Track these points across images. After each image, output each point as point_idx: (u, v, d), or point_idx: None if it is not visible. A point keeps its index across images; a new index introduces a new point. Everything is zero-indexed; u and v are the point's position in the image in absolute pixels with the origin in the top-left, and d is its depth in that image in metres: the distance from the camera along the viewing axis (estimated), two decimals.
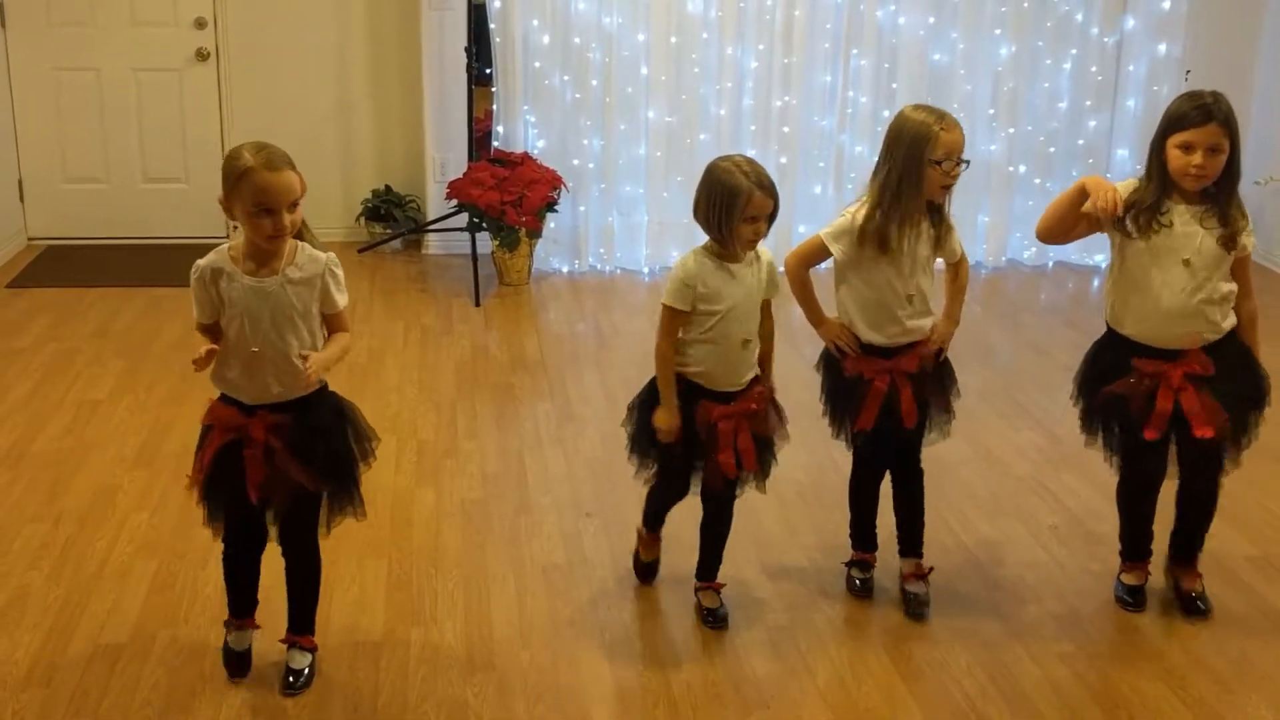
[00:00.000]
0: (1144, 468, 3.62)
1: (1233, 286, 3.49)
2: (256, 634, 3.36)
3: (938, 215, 3.52)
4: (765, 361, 3.53)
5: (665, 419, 3.41)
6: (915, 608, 3.68)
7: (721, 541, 3.65)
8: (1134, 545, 3.75)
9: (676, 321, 3.40)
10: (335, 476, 3.21)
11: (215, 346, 3.04)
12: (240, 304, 3.03)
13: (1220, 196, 3.42)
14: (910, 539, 3.77)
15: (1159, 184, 3.44)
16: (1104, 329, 3.65)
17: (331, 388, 3.23)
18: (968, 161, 3.45)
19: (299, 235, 3.11)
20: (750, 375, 3.46)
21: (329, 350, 3.13)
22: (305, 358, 3.05)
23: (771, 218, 3.35)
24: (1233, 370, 3.53)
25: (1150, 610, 3.71)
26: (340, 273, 3.15)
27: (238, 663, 3.32)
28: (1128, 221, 3.45)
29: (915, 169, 3.39)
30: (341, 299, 3.14)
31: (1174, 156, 3.39)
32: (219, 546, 3.29)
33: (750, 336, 3.41)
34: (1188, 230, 3.42)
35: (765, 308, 3.48)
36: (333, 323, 3.16)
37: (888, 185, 3.43)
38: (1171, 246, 3.42)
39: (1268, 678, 3.41)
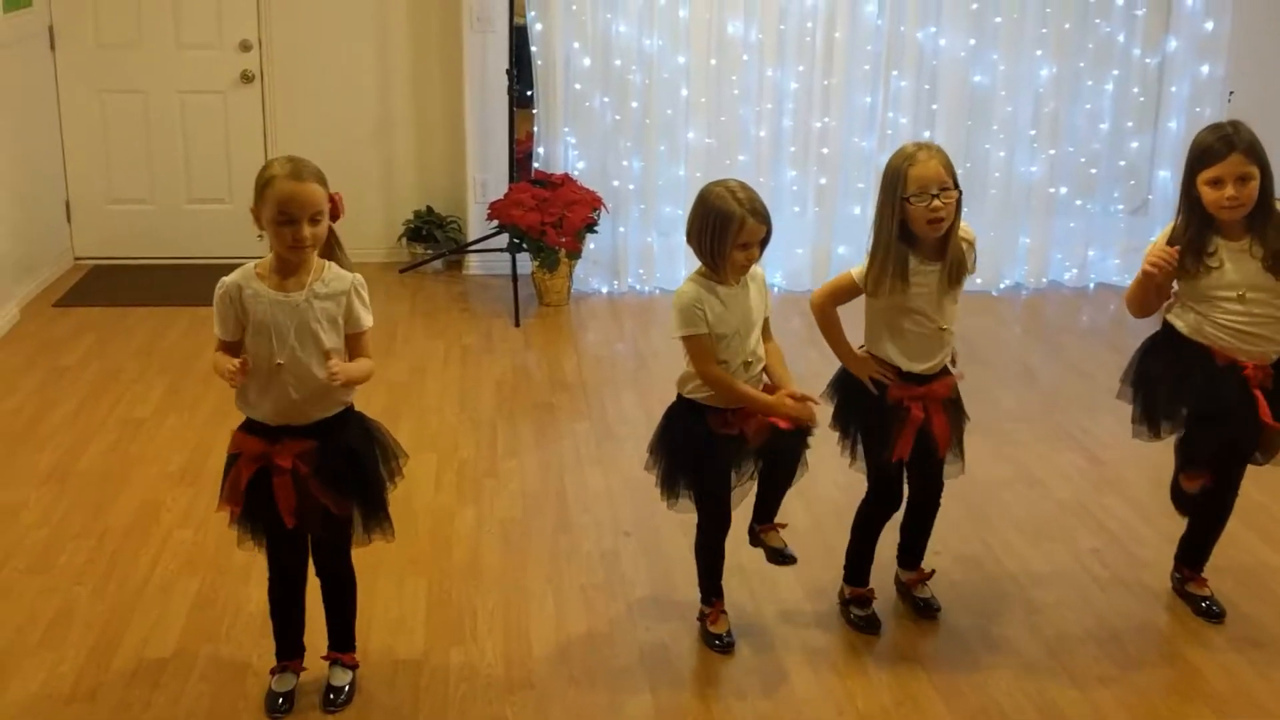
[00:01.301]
0: (1212, 453, 3.60)
1: None
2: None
3: (944, 250, 3.42)
4: (780, 368, 3.45)
5: (788, 408, 3.35)
6: (931, 610, 3.74)
7: (784, 488, 3.56)
8: (1197, 550, 3.81)
9: (705, 345, 3.35)
10: (364, 498, 3.21)
11: (246, 358, 3.04)
12: (266, 318, 3.04)
13: (1257, 223, 3.43)
14: (915, 553, 3.79)
15: (1197, 221, 3.46)
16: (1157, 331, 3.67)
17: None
18: (959, 190, 3.37)
19: (330, 254, 3.13)
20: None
21: (354, 366, 3.13)
22: (329, 357, 3.04)
23: (764, 243, 3.33)
24: None
25: (1192, 634, 3.68)
26: (366, 294, 3.15)
27: (277, 703, 3.27)
28: (1184, 263, 3.48)
29: (893, 208, 3.38)
30: (367, 318, 3.14)
31: (1206, 193, 3.41)
32: (261, 563, 3.31)
33: (751, 357, 3.39)
34: (1239, 266, 3.44)
35: (764, 327, 3.47)
36: (355, 345, 3.15)
37: (880, 227, 3.43)
38: (1225, 283, 3.44)
39: None
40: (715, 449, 3.41)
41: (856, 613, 3.73)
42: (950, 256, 3.42)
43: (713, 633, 3.59)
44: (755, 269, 3.43)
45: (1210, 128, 3.46)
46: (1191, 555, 3.81)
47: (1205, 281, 3.48)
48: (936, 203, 3.33)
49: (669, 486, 3.52)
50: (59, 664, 3.45)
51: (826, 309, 3.55)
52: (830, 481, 4.33)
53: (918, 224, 3.36)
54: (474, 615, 3.74)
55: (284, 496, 3.09)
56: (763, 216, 3.29)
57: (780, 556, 3.59)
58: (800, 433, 3.42)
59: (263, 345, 3.06)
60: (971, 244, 3.50)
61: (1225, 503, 3.73)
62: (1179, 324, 3.58)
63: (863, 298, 3.51)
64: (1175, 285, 3.56)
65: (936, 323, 3.48)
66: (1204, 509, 3.75)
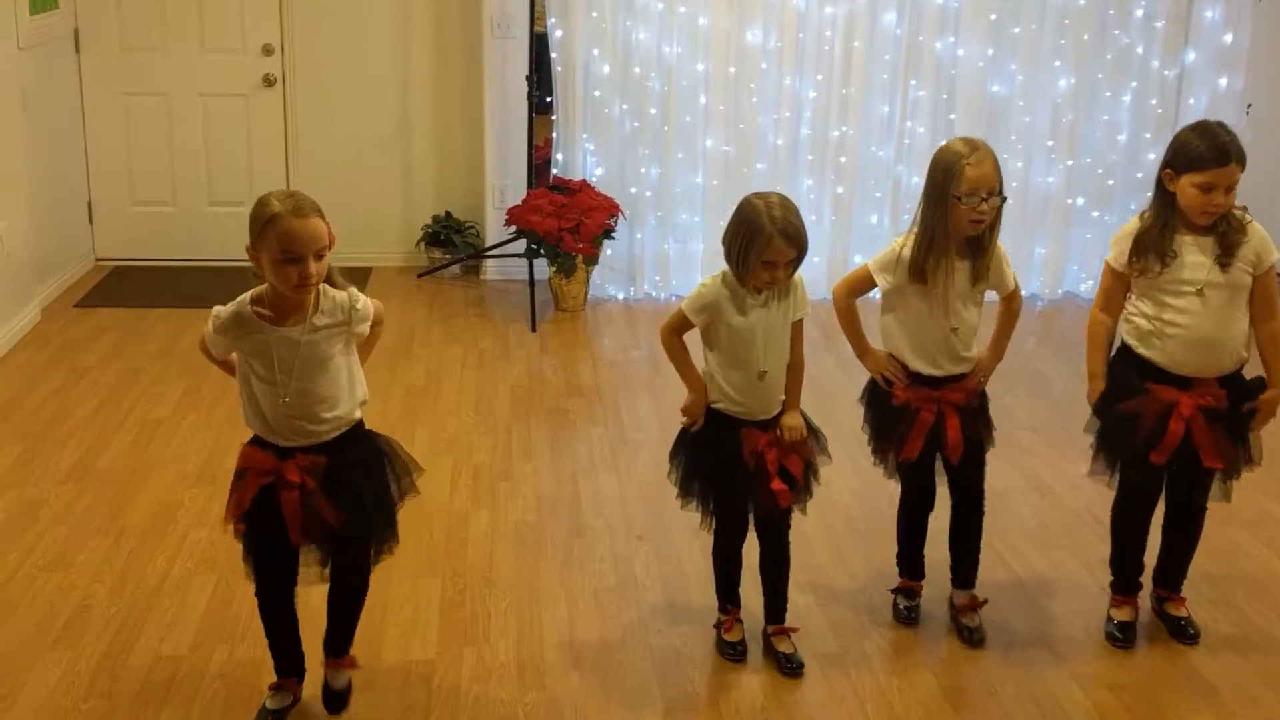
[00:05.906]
0: (1143, 488, 3.64)
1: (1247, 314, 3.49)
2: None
3: (978, 248, 3.50)
4: (792, 386, 3.47)
5: (689, 404, 3.45)
6: (974, 638, 3.68)
7: (785, 576, 3.62)
8: (1126, 576, 3.76)
9: (684, 326, 3.47)
10: (373, 514, 3.17)
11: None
12: (271, 354, 3.00)
13: (1221, 222, 3.42)
14: (964, 572, 3.76)
15: (1165, 217, 3.44)
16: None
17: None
18: (1004, 197, 3.44)
19: (328, 280, 3.07)
20: (779, 403, 3.47)
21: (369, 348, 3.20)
22: (351, 377, 3.07)
23: (796, 264, 3.33)
24: (1242, 400, 3.53)
25: (1202, 644, 3.69)
26: (360, 305, 3.09)
27: None
28: (1147, 261, 3.46)
29: (942, 203, 3.41)
30: (364, 326, 3.11)
31: (1192, 195, 3.37)
32: None
33: (768, 369, 3.39)
34: (1196, 260, 3.42)
35: (796, 330, 3.46)
36: (369, 339, 3.19)
37: (925, 217, 3.47)
38: (1182, 279, 3.43)
39: None
40: (735, 458, 3.44)
41: (902, 602, 3.80)
42: (981, 257, 3.49)
43: (726, 640, 3.61)
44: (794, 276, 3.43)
45: (1202, 131, 3.40)
46: (1168, 576, 3.79)
47: (1163, 276, 3.45)
48: (984, 206, 3.39)
49: (686, 490, 3.55)
50: (76, 661, 3.49)
51: (845, 301, 3.64)
52: (845, 490, 4.35)
53: (959, 222, 3.41)
54: (487, 617, 3.77)
55: (291, 513, 3.05)
56: (794, 239, 3.26)
57: (790, 664, 3.55)
58: (786, 513, 3.49)
59: (267, 374, 3.01)
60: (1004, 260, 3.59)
61: (1195, 521, 3.72)
62: (1134, 343, 3.55)
63: (878, 293, 3.59)
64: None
65: (949, 322, 3.51)
66: (1175, 530, 3.74)
